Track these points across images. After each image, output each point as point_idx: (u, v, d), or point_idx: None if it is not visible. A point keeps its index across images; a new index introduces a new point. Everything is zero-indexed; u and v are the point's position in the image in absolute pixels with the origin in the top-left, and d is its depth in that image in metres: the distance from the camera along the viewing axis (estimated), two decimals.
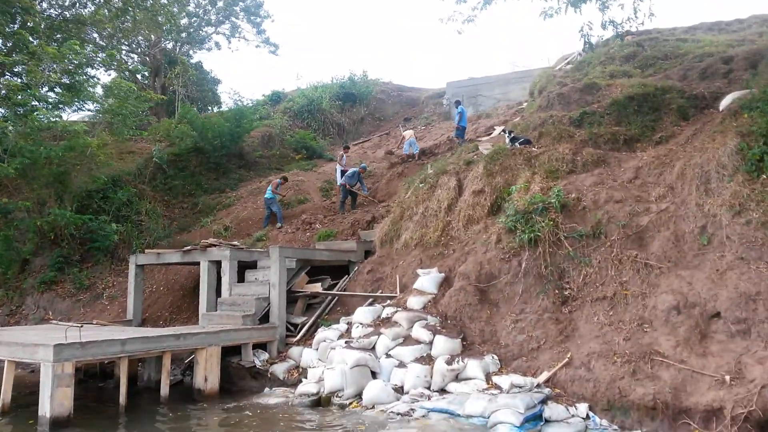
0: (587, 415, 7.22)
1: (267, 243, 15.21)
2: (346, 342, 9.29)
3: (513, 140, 12.50)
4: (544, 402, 7.30)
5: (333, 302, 11.68)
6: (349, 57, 68.35)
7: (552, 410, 7.20)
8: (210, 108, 30.74)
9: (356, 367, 8.73)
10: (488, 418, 7.17)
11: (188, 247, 12.41)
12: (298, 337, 10.73)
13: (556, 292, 9.07)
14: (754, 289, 7.22)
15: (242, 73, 63.34)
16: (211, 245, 12.12)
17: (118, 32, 23.81)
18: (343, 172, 19.11)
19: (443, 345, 8.76)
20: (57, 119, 15.49)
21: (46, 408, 7.49)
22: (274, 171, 22.34)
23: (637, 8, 11.70)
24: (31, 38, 15.38)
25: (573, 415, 7.22)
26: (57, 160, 14.64)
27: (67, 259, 15.82)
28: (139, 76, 27.75)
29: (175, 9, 25.96)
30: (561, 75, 16.77)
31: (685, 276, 8.06)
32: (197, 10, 29.03)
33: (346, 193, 16.88)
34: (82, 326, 8.75)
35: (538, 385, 7.71)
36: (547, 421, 7.12)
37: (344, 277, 12.29)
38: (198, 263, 12.61)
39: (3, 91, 14.71)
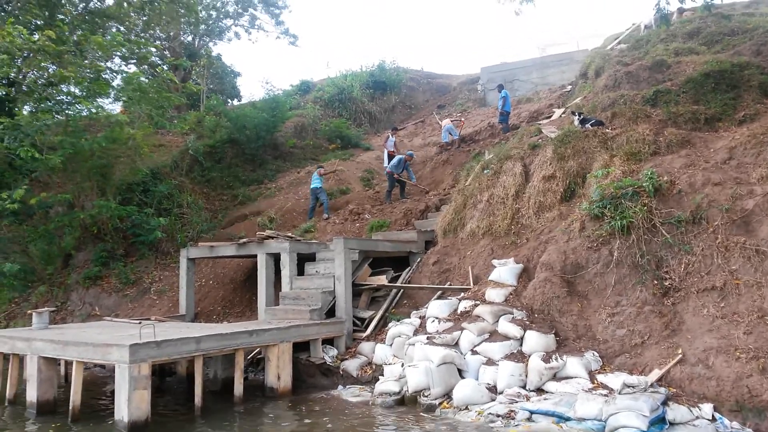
0: (713, 416, 6.60)
1: (315, 234, 14.73)
2: (427, 338, 8.72)
3: (583, 122, 11.82)
4: (665, 403, 6.69)
5: (399, 295, 11.12)
6: (375, 45, 67.79)
7: (675, 412, 6.59)
8: (230, 101, 30.37)
9: (443, 365, 8.17)
10: (605, 421, 6.58)
11: (244, 240, 11.92)
12: (368, 331, 10.21)
13: (655, 282, 8.43)
14: None
15: (262, 65, 62.91)
16: (268, 237, 11.61)
17: (139, 25, 23.33)
18: (390, 157, 18.57)
19: (536, 341, 8.17)
20: (98, 110, 15.00)
21: (123, 412, 7.02)
22: (309, 161, 21.83)
23: None
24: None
25: (697, 417, 6.61)
26: (99, 152, 14.19)
27: (111, 253, 15.44)
28: (157, 70, 27.37)
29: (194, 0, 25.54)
30: (617, 54, 15.98)
31: None
32: (215, 2, 28.61)
33: (393, 182, 16.31)
34: (151, 324, 8.26)
35: (652, 385, 7.09)
36: (671, 423, 6.51)
37: (407, 269, 11.73)
38: (253, 256, 12.16)
39: (24, 87, 14.30)
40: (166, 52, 27.78)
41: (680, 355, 7.39)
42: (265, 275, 11.41)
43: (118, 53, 18.22)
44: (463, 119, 21.34)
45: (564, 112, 14.15)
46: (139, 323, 10.57)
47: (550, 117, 14.51)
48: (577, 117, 12.01)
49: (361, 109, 26.89)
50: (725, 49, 13.41)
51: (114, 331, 9.04)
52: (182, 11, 24.25)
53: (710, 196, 8.69)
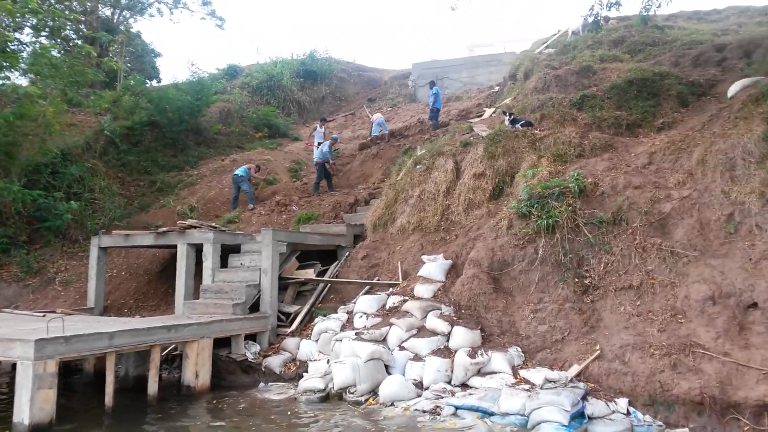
0: (628, 410, 6.85)
1: (240, 225, 14.25)
2: (355, 333, 8.56)
3: (513, 122, 12.02)
4: (584, 398, 6.87)
5: (326, 290, 10.89)
6: (307, 34, 66.82)
7: (594, 406, 6.79)
8: (149, 81, 28.98)
9: (370, 361, 8.06)
10: (528, 416, 6.68)
11: (164, 229, 11.31)
12: (294, 327, 9.92)
13: (576, 280, 8.67)
14: None
15: (185, 46, 60.51)
16: (190, 227, 11.06)
17: None
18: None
19: (463, 336, 8.20)
20: (5, 81, 13.79)
21: (24, 414, 6.43)
22: (234, 149, 21.17)
23: None
24: None
25: (614, 411, 6.83)
26: (5, 128, 13.03)
27: (13, 239, 14.23)
28: (72, 44, 25.65)
29: None
30: (546, 58, 16.43)
31: (716, 265, 7.81)
32: None
33: (322, 173, 16.02)
34: (59, 317, 7.62)
35: (572, 380, 7.27)
36: (590, 418, 6.69)
37: (335, 263, 11.51)
38: (172, 246, 11.57)
39: None
40: (82, 26, 26.06)
41: (598, 351, 7.63)
42: (185, 267, 10.86)
43: (29, 23, 16.86)
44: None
45: (494, 112, 14.38)
46: (44, 316, 9.81)
47: (480, 116, 14.71)
48: (507, 117, 12.20)
49: (291, 97, 26.33)
50: (647, 58, 14.05)
51: (15, 325, 8.29)
52: None
53: (630, 198, 9.03)
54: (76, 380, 9.79)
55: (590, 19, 12.49)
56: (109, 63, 17.37)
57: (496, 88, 21.79)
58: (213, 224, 11.69)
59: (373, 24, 70.32)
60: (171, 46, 57.19)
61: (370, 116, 23.56)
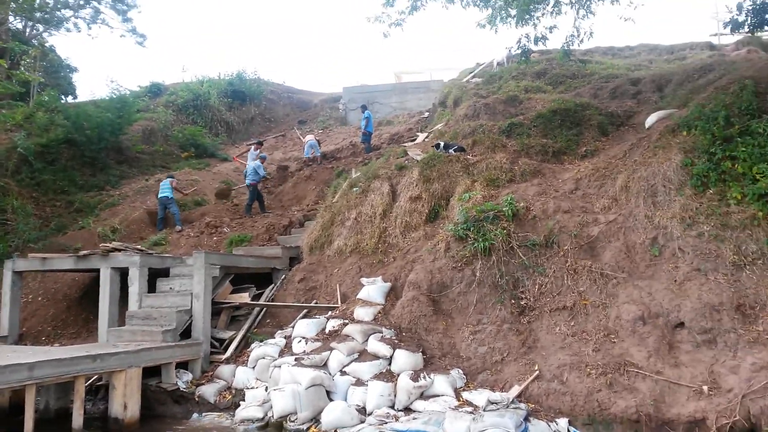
0: (568, 430, 7.04)
1: (167, 248, 13.67)
2: (295, 359, 8.35)
3: (446, 147, 12.30)
4: (527, 419, 7.01)
5: (262, 314, 10.61)
6: (235, 54, 65.92)
7: (536, 427, 6.91)
8: (64, 97, 27.61)
9: (312, 387, 7.87)
10: None
11: (85, 252, 10.66)
12: (228, 353, 9.56)
13: (513, 302, 8.90)
14: (716, 299, 7.53)
15: (104, 63, 58.06)
16: (114, 249, 10.49)
17: None
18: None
19: (405, 360, 8.19)
20: None
21: None
22: (159, 169, 20.44)
23: (579, 26, 12.04)
24: None
25: (555, 431, 7.01)
26: None
27: None
28: None
29: None
30: (473, 87, 17.01)
31: (643, 286, 8.25)
32: None
33: (254, 195, 15.71)
34: None
35: (513, 401, 7.41)
36: None
37: (270, 286, 11.26)
38: (94, 270, 10.94)
39: None
40: None
41: (537, 372, 7.82)
42: (109, 292, 10.28)
43: None
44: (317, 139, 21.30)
45: (427, 136, 14.67)
46: None
47: (414, 140, 14.97)
48: (440, 148, 12.36)
49: (218, 117, 25.84)
50: (568, 89, 14.85)
51: None
52: None
53: (561, 222, 9.42)
54: None
55: (518, 51, 13.05)
56: (22, 75, 16.31)
57: (426, 114, 22.32)
58: (138, 247, 11.15)
59: (302, 47, 70.61)
60: (88, 63, 54.81)
61: (302, 138, 23.48)
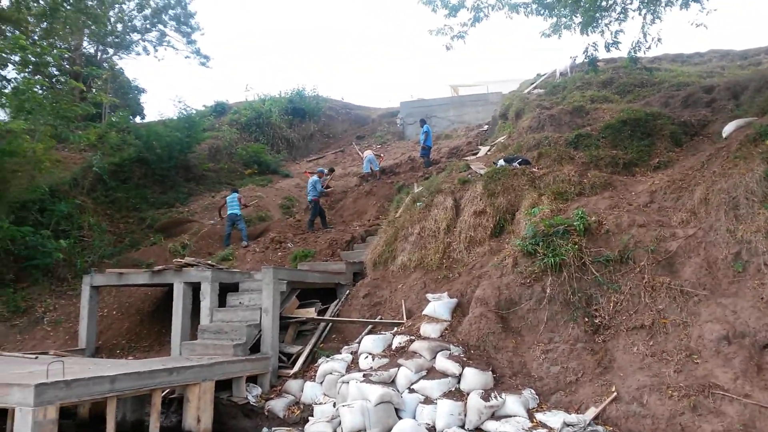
0: None
1: (234, 263, 14.02)
2: (363, 375, 8.33)
3: (510, 160, 12.11)
4: None
5: (327, 329, 10.66)
6: (293, 73, 67.56)
7: None
8: (132, 118, 28.87)
9: (381, 404, 7.81)
10: None
11: (159, 267, 11.04)
12: (296, 368, 9.64)
13: (586, 320, 8.60)
14: None
15: (168, 84, 60.62)
16: (187, 265, 10.81)
17: (37, 32, 21.53)
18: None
19: (474, 378, 8.02)
20: None
21: None
22: (224, 185, 21.02)
23: (647, 32, 11.68)
24: None
25: None
26: None
27: (0, 278, 13.76)
28: (61, 79, 25.47)
29: (101, 11, 24.06)
30: (536, 98, 16.72)
31: (727, 304, 7.81)
32: (122, 15, 27.21)
33: (317, 210, 15.91)
34: (60, 360, 7.28)
35: (590, 423, 7.13)
36: None
37: (335, 302, 11.32)
38: (166, 285, 11.30)
39: None
40: (65, 63, 25.94)
41: (615, 393, 7.50)
42: (182, 306, 10.58)
43: (14, 57, 16.63)
44: (382, 155, 21.43)
45: (489, 150, 14.50)
46: (36, 358, 9.46)
47: (475, 153, 14.82)
48: (502, 162, 12.20)
49: (279, 134, 26.40)
50: (636, 99, 14.38)
51: (8, 368, 7.91)
52: (88, 21, 22.79)
53: (636, 237, 9.06)
54: (68, 425, 9.33)
55: (584, 61, 12.76)
56: (97, 96, 17.15)
57: (485, 127, 22.11)
58: (209, 262, 11.45)
59: (359, 63, 71.64)
60: (155, 84, 57.34)
61: (361, 153, 23.68)
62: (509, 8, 12.73)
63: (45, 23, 20.43)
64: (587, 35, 11.87)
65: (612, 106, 13.74)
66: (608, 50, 12.26)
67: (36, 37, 22.29)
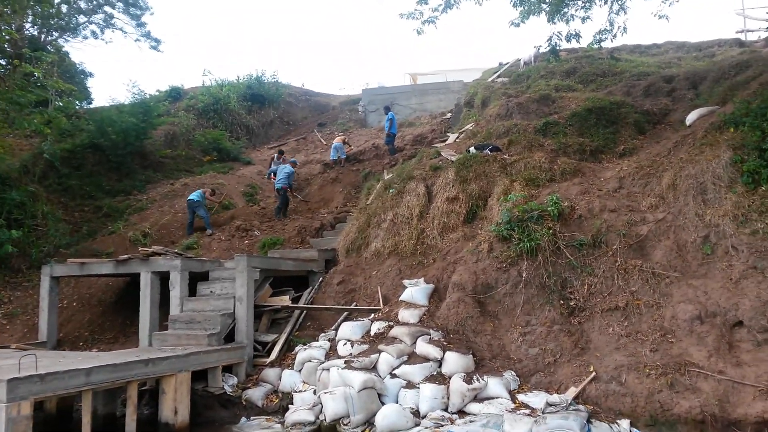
0: (630, 431, 6.92)
1: (200, 251, 13.67)
2: (345, 362, 8.28)
3: (480, 147, 12.20)
4: (588, 421, 6.90)
5: (302, 317, 10.54)
6: (249, 58, 66.13)
7: (598, 429, 6.80)
8: (78, 103, 27.67)
9: (364, 390, 7.79)
10: None
11: (125, 257, 10.63)
12: (273, 357, 9.49)
13: (562, 302, 8.77)
14: None
15: (117, 68, 58.41)
16: (155, 253, 10.47)
17: None
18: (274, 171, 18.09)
19: (456, 362, 8.08)
20: None
21: None
22: (183, 173, 20.46)
23: (612, 21, 11.91)
24: None
25: None
26: None
27: None
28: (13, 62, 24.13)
29: None
30: (501, 87, 16.90)
31: (698, 285, 8.11)
32: None
33: (286, 198, 15.67)
34: (31, 354, 6.92)
35: (571, 403, 7.29)
36: None
37: (308, 289, 11.19)
38: (131, 275, 10.93)
39: None
40: (6, 46, 24.56)
41: (593, 373, 7.70)
42: (150, 296, 10.24)
43: None
44: (350, 146, 21.26)
45: (458, 137, 14.57)
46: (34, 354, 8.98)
47: (444, 140, 14.87)
48: (473, 150, 12.29)
49: (239, 121, 25.81)
50: (599, 88, 14.71)
51: None
52: (32, 1, 21.59)
53: (608, 221, 9.30)
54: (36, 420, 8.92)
55: (547, 49, 12.95)
56: (54, 81, 16.34)
57: (448, 115, 22.22)
58: (177, 251, 11.11)
59: (317, 50, 70.84)
60: (102, 68, 55.06)
61: (323, 141, 23.51)
62: None
63: None
64: (554, 23, 12.06)
65: (576, 94, 14.02)
66: (569, 41, 12.48)
67: None
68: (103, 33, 27.36)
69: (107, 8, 27.23)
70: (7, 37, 23.98)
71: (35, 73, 21.34)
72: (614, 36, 12.50)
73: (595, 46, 13.66)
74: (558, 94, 14.14)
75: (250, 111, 26.73)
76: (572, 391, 7.54)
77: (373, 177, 16.74)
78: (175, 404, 7.98)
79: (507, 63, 20.74)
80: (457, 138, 14.54)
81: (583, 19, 12.10)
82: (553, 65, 16.51)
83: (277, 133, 27.46)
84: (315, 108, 29.89)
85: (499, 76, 19.08)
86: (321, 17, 75.23)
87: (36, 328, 11.82)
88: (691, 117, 11.21)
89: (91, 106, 26.62)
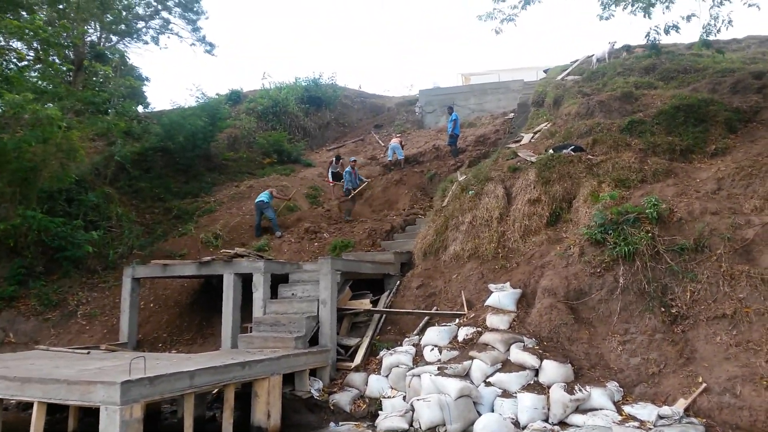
0: None
1: (271, 253, 13.68)
2: (438, 368, 8.07)
3: (560, 148, 11.81)
4: None
5: (382, 321, 10.39)
6: (302, 61, 66.92)
7: None
8: (141, 107, 28.23)
9: (461, 398, 7.57)
10: None
11: (208, 258, 10.72)
12: (358, 361, 9.37)
13: (662, 310, 8.35)
14: None
15: (171, 72, 59.90)
16: (237, 255, 10.51)
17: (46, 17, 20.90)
18: (335, 175, 18.13)
19: (554, 371, 7.77)
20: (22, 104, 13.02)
21: None
22: (245, 175, 20.65)
23: (715, 15, 11.37)
24: None
25: None
26: (26, 152, 12.34)
27: (30, 270, 13.37)
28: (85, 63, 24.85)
29: None
30: (573, 85, 16.40)
31: None
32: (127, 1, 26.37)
33: (354, 201, 15.62)
34: (141, 356, 6.97)
35: (683, 415, 6.90)
36: None
37: (386, 292, 11.04)
38: (207, 276, 11.01)
39: None
40: (69, 52, 25.32)
41: (704, 384, 7.27)
42: (233, 298, 10.27)
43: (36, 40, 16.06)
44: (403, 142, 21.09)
45: (533, 137, 14.19)
46: (88, 353, 9.17)
47: (519, 141, 14.50)
48: (553, 150, 11.92)
49: (296, 123, 25.96)
50: (681, 85, 14.09)
51: (68, 364, 7.60)
52: (100, 8, 22.15)
53: (710, 224, 8.81)
54: None
55: (646, 41, 12.45)
56: (130, 80, 16.71)
57: (510, 115, 21.78)
58: (259, 253, 11.14)
59: (368, 51, 71.21)
60: (155, 72, 56.47)
61: (381, 142, 23.42)
62: None
63: (58, 7, 19.80)
64: (649, 18, 11.58)
65: (659, 92, 13.45)
66: (667, 33, 11.96)
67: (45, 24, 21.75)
68: (158, 38, 27.75)
69: (164, 13, 27.78)
70: (70, 44, 24.76)
71: (102, 74, 21.90)
72: (719, 30, 11.96)
73: (703, 44, 13.01)
74: (639, 92, 13.60)
75: (307, 113, 26.86)
76: (682, 403, 7.14)
77: (440, 178, 16.55)
78: (268, 407, 7.93)
79: (576, 60, 20.18)
80: (533, 138, 14.15)
81: (689, 17, 11.58)
82: (630, 62, 15.93)
83: (333, 135, 27.52)
84: (370, 109, 29.85)
85: (569, 74, 18.55)
86: (373, 16, 75.51)
87: (115, 329, 12.07)
88: None
89: (148, 110, 27.25)
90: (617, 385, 7.70)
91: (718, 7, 11.55)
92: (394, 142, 20.32)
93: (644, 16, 11.55)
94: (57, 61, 16.86)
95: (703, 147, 11.49)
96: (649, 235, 8.80)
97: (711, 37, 13.43)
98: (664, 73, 15.04)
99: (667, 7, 12.34)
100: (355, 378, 9.15)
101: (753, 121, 12.11)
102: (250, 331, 10.18)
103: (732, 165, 9.95)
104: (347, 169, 16.48)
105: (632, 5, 11.48)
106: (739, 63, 14.76)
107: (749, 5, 11.78)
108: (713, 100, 12.38)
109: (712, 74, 14.16)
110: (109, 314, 12.75)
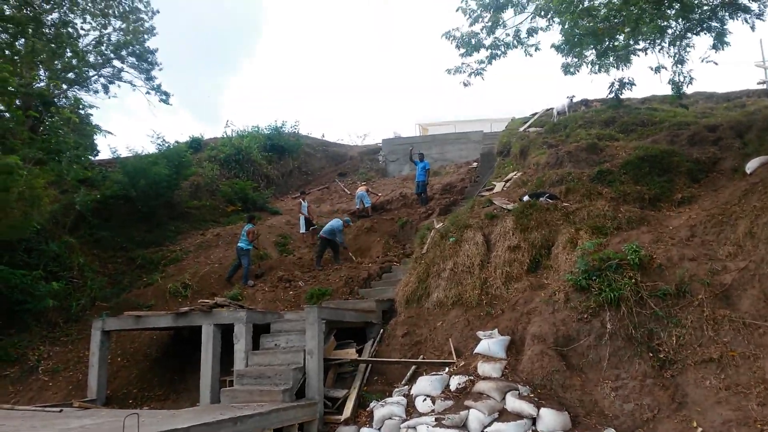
0: None
1: (245, 302, 13.28)
2: (435, 420, 7.91)
3: (535, 195, 12.14)
4: None
5: (368, 371, 10.17)
6: (260, 109, 66.94)
7: None
8: (84, 156, 27.39)
9: None
10: None
11: (185, 309, 10.34)
12: (347, 413, 9.07)
13: (650, 355, 8.51)
14: None
15: (122, 122, 58.91)
16: (217, 305, 10.16)
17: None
18: (307, 221, 18.05)
19: (552, 419, 7.73)
20: None
21: None
22: (209, 223, 20.31)
23: (679, 71, 12.08)
24: None
25: None
26: None
27: None
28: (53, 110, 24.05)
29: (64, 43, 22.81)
30: (537, 136, 17.01)
31: None
32: (77, 50, 25.85)
33: (324, 246, 15.48)
34: (134, 413, 6.53)
35: None
36: None
37: (370, 341, 10.85)
38: (175, 328, 10.61)
39: None
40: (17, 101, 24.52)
41: (700, 429, 7.39)
42: (212, 350, 9.88)
43: None
44: (379, 194, 21.31)
45: (505, 185, 14.54)
46: (60, 411, 8.58)
47: (491, 189, 14.82)
48: (528, 197, 12.25)
49: (260, 171, 25.85)
50: (641, 137, 14.82)
51: (44, 424, 7.06)
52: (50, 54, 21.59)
53: (690, 270, 9.13)
54: None
55: (608, 95, 13.15)
56: (92, 129, 16.29)
57: (474, 164, 22.33)
58: (239, 303, 10.82)
59: (327, 102, 72.27)
60: (107, 120, 55.42)
61: (345, 190, 23.51)
62: (526, 48, 13.03)
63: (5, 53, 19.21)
64: (621, 70, 12.26)
65: (622, 143, 14.11)
66: (630, 88, 12.64)
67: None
68: (108, 87, 27.09)
69: (117, 62, 27.30)
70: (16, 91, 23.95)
71: (58, 121, 21.18)
72: (685, 84, 12.70)
73: (676, 97, 13.75)
74: (603, 143, 14.23)
75: (270, 161, 26.82)
76: None
77: (411, 226, 16.68)
78: None
79: (536, 113, 21.02)
80: (505, 186, 14.49)
81: (656, 68, 12.29)
82: (590, 115, 16.72)
83: (296, 183, 27.48)
84: (333, 158, 30.05)
85: (530, 126, 19.27)
86: (327, 66, 76.86)
87: (80, 385, 11.41)
88: (752, 165, 11.23)
89: (97, 158, 26.40)
90: (614, 431, 7.72)
91: (680, 64, 12.34)
92: (361, 190, 20.48)
93: (617, 68, 12.21)
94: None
95: (670, 196, 12.03)
96: (633, 281, 9.03)
97: (660, 94, 14.28)
98: (623, 125, 15.82)
99: (625, 64, 13.07)
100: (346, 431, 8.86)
101: (713, 171, 12.80)
102: (229, 385, 9.81)
103: (702, 213, 10.43)
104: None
105: (593, 65, 12.16)
106: (692, 117, 15.70)
107: (707, 62, 12.60)
108: (674, 151, 13.06)
109: (669, 127, 14.98)
110: (74, 369, 12.04)
